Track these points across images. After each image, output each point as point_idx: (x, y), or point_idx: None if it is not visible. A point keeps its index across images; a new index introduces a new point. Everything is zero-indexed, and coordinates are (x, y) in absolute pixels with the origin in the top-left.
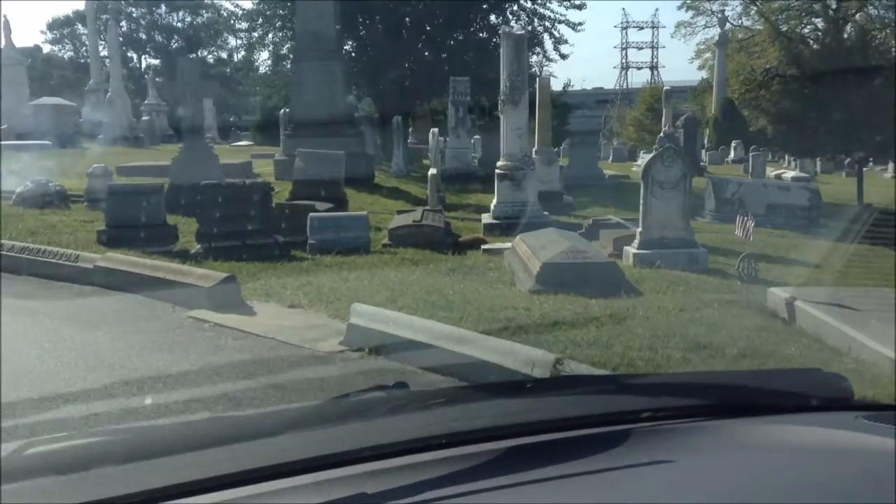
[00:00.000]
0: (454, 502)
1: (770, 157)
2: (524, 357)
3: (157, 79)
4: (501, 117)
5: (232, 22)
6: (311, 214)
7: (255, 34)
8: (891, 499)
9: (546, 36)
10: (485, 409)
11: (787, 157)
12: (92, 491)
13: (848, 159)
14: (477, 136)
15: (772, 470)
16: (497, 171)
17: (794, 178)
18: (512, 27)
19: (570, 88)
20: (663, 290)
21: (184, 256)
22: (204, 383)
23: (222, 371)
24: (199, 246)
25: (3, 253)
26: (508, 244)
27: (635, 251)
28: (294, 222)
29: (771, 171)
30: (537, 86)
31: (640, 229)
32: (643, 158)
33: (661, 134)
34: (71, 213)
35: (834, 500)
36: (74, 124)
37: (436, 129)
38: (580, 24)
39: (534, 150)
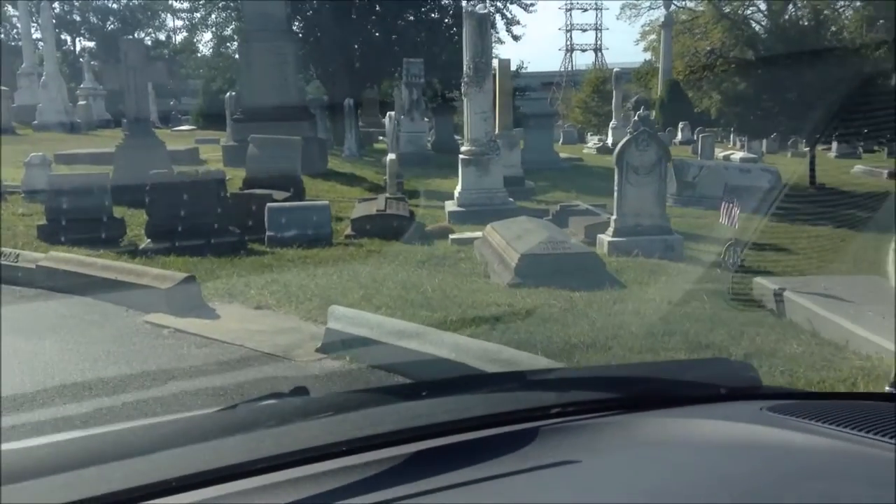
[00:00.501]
0: None
1: (717, 138)
2: (525, 365)
3: (92, 62)
4: (465, 100)
5: (171, 2)
6: (269, 205)
7: (198, 14)
8: (792, 497)
9: (498, 17)
10: (388, 413)
11: (732, 137)
12: None
13: (792, 139)
14: (427, 119)
15: (673, 468)
16: (461, 156)
17: (743, 159)
18: (474, 5)
19: (522, 70)
20: (645, 281)
21: (133, 252)
22: (169, 402)
23: (187, 387)
24: (148, 241)
25: None
26: (478, 233)
27: (610, 239)
28: (250, 213)
29: (719, 152)
30: (497, 68)
31: (614, 216)
32: (593, 141)
33: (635, 117)
34: (7, 205)
35: (735, 496)
36: (7, 109)
37: (392, 113)
38: (531, 4)
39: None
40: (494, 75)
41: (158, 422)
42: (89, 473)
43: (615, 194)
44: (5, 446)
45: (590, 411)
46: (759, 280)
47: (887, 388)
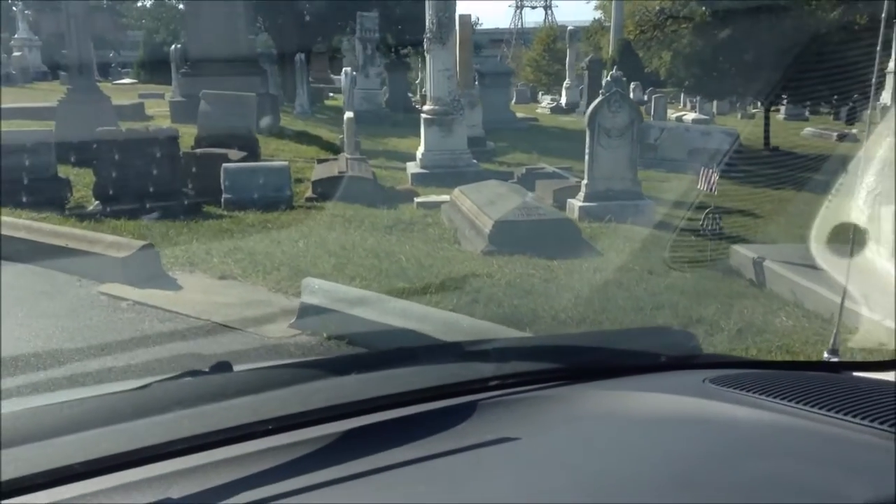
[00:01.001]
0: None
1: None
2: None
3: (26, 11)
4: (428, 57)
5: None
6: (225, 165)
7: None
8: (735, 475)
9: None
10: (318, 390)
11: (682, 98)
12: None
13: (739, 101)
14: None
15: (615, 445)
16: (424, 115)
17: (695, 120)
18: None
19: (478, 27)
20: (622, 249)
21: (80, 215)
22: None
23: (150, 365)
24: (97, 203)
25: None
26: (444, 197)
27: (581, 204)
28: (204, 174)
29: (671, 114)
30: (457, 23)
31: (585, 181)
32: (546, 100)
33: (608, 77)
34: None
35: (678, 475)
36: None
37: (348, 68)
38: None
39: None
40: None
41: (64, 402)
42: None
43: (586, 157)
44: None
45: (530, 382)
46: (736, 248)
47: (825, 356)
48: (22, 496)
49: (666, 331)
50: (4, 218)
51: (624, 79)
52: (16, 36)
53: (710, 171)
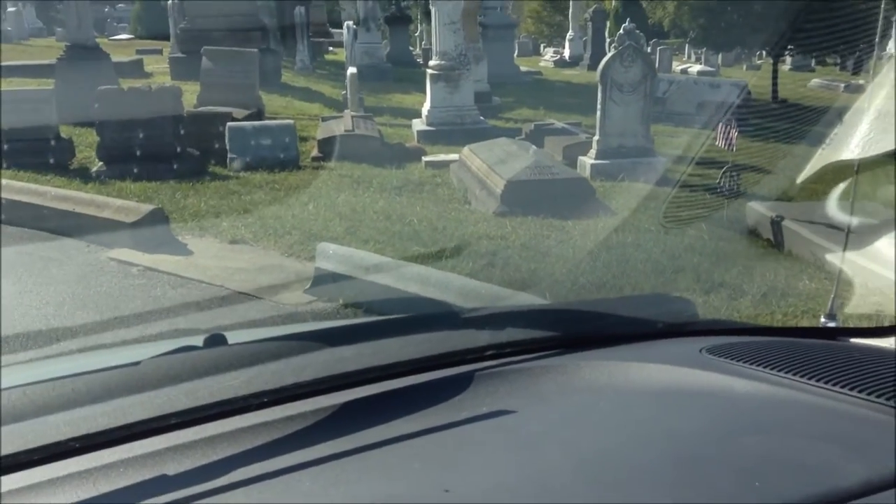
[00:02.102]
0: (268, 483)
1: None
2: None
3: None
4: (433, 9)
5: None
6: (230, 124)
7: None
8: (735, 450)
9: None
10: (312, 361)
11: (687, 49)
12: None
13: (745, 52)
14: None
15: (612, 419)
16: (430, 71)
17: (701, 72)
18: None
19: None
20: (636, 208)
21: (84, 176)
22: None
23: (165, 333)
24: (100, 164)
25: None
26: (453, 156)
27: (592, 161)
28: (208, 133)
29: (676, 66)
30: None
31: (597, 137)
32: (549, 53)
33: (621, 30)
34: None
35: (677, 451)
36: None
37: (350, 22)
38: None
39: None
40: None
41: (58, 379)
42: None
43: (598, 113)
44: None
45: (526, 352)
46: (753, 205)
47: (822, 321)
48: (17, 472)
49: (664, 297)
50: (8, 181)
51: (638, 31)
52: None
53: (729, 127)
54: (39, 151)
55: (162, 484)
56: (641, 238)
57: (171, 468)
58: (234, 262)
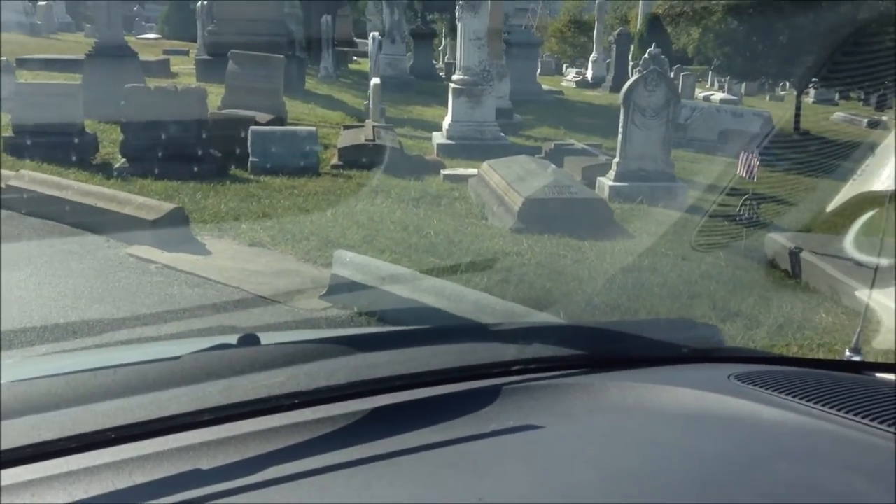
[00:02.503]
0: (301, 483)
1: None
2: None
3: None
4: (459, 25)
5: None
6: (253, 128)
7: None
8: (763, 478)
9: None
10: (344, 365)
11: (710, 77)
12: None
13: (768, 82)
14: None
15: (641, 440)
16: (452, 85)
17: (723, 100)
18: None
19: None
20: (654, 232)
21: (107, 171)
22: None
23: (181, 332)
24: (123, 160)
25: None
26: (472, 170)
27: (611, 183)
28: (231, 136)
29: (698, 92)
30: None
31: (617, 159)
32: (571, 73)
33: (646, 55)
34: None
35: (705, 475)
36: None
37: (376, 33)
38: None
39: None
40: None
41: (94, 370)
42: (21, 423)
43: (619, 136)
44: None
45: (552, 368)
46: (771, 236)
47: (847, 354)
48: (55, 459)
49: (690, 323)
50: (33, 173)
51: (663, 57)
52: None
53: (751, 156)
54: (64, 145)
55: (196, 478)
56: (658, 262)
57: (205, 463)
58: (252, 264)
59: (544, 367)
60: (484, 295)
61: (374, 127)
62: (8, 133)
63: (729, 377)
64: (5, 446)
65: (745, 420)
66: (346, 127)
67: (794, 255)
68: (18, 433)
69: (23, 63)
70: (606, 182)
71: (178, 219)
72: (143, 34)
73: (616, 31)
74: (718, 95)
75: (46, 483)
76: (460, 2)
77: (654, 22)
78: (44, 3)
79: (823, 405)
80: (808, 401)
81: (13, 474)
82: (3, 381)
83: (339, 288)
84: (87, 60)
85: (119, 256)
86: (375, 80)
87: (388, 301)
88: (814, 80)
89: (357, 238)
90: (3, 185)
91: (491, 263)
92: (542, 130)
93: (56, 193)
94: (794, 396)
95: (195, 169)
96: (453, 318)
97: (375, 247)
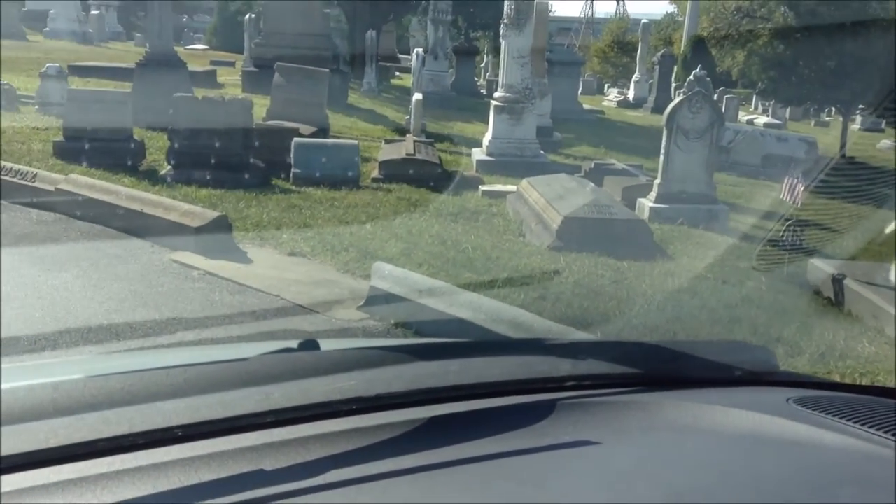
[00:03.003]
0: (362, 488)
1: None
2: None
3: None
4: (503, 43)
5: None
6: (297, 140)
7: None
8: (812, 495)
9: None
10: (401, 373)
11: (754, 100)
12: None
13: (814, 108)
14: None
15: (700, 459)
16: (494, 102)
17: (767, 124)
18: None
19: (552, 13)
20: (694, 255)
21: (153, 178)
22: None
23: (221, 337)
24: (169, 167)
25: None
26: (510, 187)
27: (652, 204)
28: (274, 147)
29: (742, 116)
30: (534, 9)
31: (658, 181)
32: (612, 93)
33: (691, 76)
34: (21, 116)
35: (766, 497)
36: (18, 13)
37: (419, 49)
38: None
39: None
40: None
41: (165, 369)
42: (92, 418)
43: (661, 157)
44: (5, 385)
45: (607, 386)
46: (815, 262)
47: None
48: (123, 454)
49: (745, 345)
50: (82, 177)
51: (708, 79)
52: None
53: (796, 181)
54: (113, 150)
55: (260, 478)
56: (698, 285)
57: (269, 464)
58: (291, 273)
59: (599, 384)
60: (520, 311)
61: (414, 142)
62: (58, 137)
63: (788, 401)
64: (78, 439)
65: (805, 444)
66: (388, 141)
67: (838, 282)
68: (91, 428)
69: (75, 70)
70: (647, 203)
71: (221, 226)
72: (191, 45)
73: (659, 53)
74: (762, 119)
75: (117, 477)
76: (505, 20)
77: (698, 44)
78: (96, 11)
79: (885, 431)
80: (868, 426)
81: (86, 467)
82: (78, 377)
83: (376, 299)
84: (138, 69)
85: (163, 262)
86: (418, 96)
87: (424, 314)
88: (861, 106)
89: (395, 251)
90: (52, 188)
91: (527, 280)
92: (583, 149)
93: (103, 198)
94: (854, 422)
95: (239, 178)
96: (490, 334)
97: (413, 260)
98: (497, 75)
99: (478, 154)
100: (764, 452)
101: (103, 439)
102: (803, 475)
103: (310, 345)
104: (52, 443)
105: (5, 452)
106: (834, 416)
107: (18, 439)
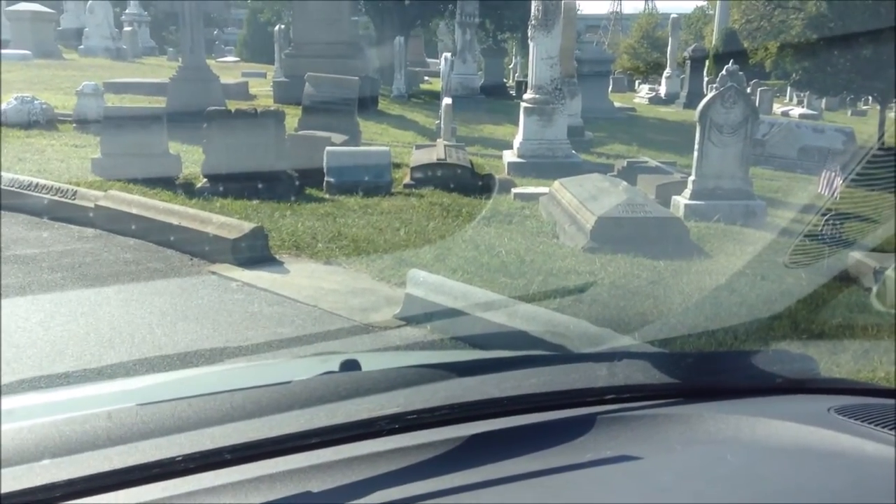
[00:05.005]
0: None
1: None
2: (617, 345)
3: None
4: (531, 44)
5: None
6: (329, 149)
7: None
8: None
9: None
10: (440, 390)
11: (789, 91)
12: None
13: (850, 97)
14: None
15: (743, 472)
16: (524, 104)
17: (802, 115)
18: None
19: (579, 13)
20: (732, 252)
21: (189, 191)
22: (242, 370)
23: (261, 349)
24: (205, 180)
25: None
26: (543, 189)
27: (687, 202)
28: (307, 156)
29: (777, 108)
30: (562, 9)
31: (692, 177)
32: (643, 90)
33: (723, 71)
34: (59, 135)
35: None
36: (54, 32)
37: (448, 54)
38: None
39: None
40: None
41: (212, 395)
42: (145, 445)
43: (695, 153)
44: (62, 416)
45: (646, 398)
46: (855, 255)
47: None
48: (175, 479)
49: (785, 354)
50: (121, 193)
51: (741, 73)
52: (126, 11)
53: (833, 174)
54: (150, 165)
55: (307, 500)
56: (736, 282)
57: (315, 485)
58: (327, 283)
59: (637, 396)
60: (556, 314)
61: (445, 146)
62: (96, 154)
63: (829, 410)
64: (130, 464)
65: (847, 455)
66: (418, 146)
67: (880, 274)
68: (144, 454)
69: (111, 87)
70: (682, 200)
71: (257, 238)
72: (222, 57)
73: (690, 47)
74: (797, 111)
75: (170, 501)
76: (532, 21)
77: (729, 37)
78: (129, 28)
79: None
80: None
81: (141, 492)
82: (130, 405)
83: (412, 307)
84: (171, 84)
85: (201, 274)
86: (447, 100)
87: (460, 321)
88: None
89: (429, 257)
90: (92, 205)
91: (562, 282)
92: (615, 148)
93: (142, 213)
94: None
95: (273, 188)
96: (526, 338)
97: (447, 265)
98: (526, 76)
99: (509, 156)
100: (805, 465)
101: (156, 463)
102: (845, 488)
103: (350, 365)
104: (108, 468)
105: (65, 478)
106: (876, 425)
107: (78, 467)
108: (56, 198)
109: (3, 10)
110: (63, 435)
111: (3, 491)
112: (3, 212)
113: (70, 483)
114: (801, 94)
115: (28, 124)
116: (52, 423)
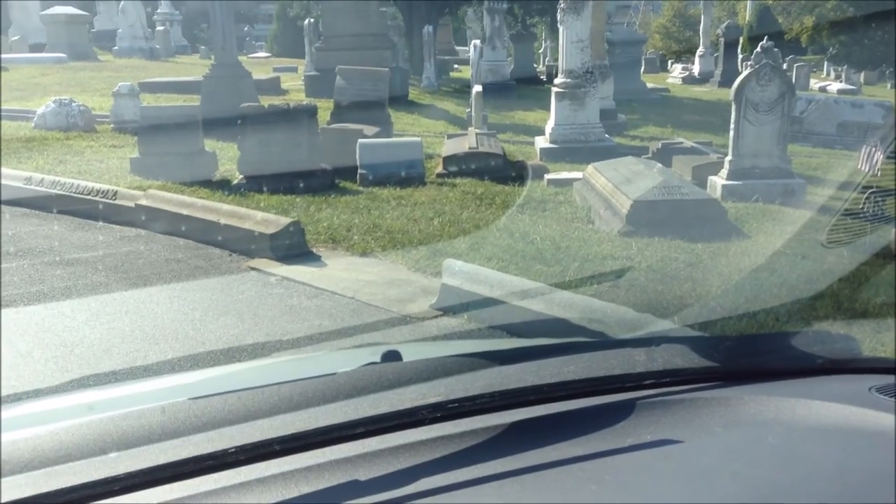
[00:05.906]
0: (454, 494)
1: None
2: (656, 329)
3: None
4: (561, 28)
5: None
6: (361, 141)
7: None
8: None
9: None
10: (480, 378)
11: (826, 66)
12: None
13: (889, 70)
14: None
15: (784, 454)
16: (555, 89)
17: (840, 91)
18: None
19: None
20: (771, 231)
21: (226, 188)
22: (284, 364)
23: (301, 342)
24: (241, 177)
25: (31, 187)
26: (576, 174)
27: (724, 182)
28: (340, 149)
29: (814, 83)
30: None
31: (729, 157)
32: (677, 69)
33: (758, 48)
34: (98, 136)
35: (855, 493)
36: (89, 34)
37: (477, 41)
38: None
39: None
40: None
41: (260, 388)
42: (197, 438)
43: (731, 133)
44: (117, 412)
45: (685, 382)
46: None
47: None
48: (227, 470)
49: (825, 334)
50: (160, 192)
51: (776, 49)
52: (158, 11)
53: (874, 149)
54: (187, 164)
55: (355, 488)
56: (777, 262)
57: (362, 474)
58: (364, 274)
59: (677, 381)
60: (593, 300)
61: (476, 134)
62: (134, 154)
63: (870, 389)
64: (185, 456)
65: (889, 434)
66: (450, 136)
67: None
68: (197, 447)
69: (146, 87)
70: (718, 181)
71: (294, 232)
72: (253, 53)
73: (724, 24)
74: (835, 86)
75: (224, 493)
76: (562, 5)
77: (764, 12)
78: (161, 27)
79: None
80: None
81: (195, 484)
82: (182, 399)
83: (449, 297)
84: (205, 81)
85: (241, 269)
86: (477, 88)
87: (497, 309)
88: None
89: (464, 246)
90: (132, 205)
91: (598, 268)
92: (648, 130)
93: (181, 211)
94: None
95: (308, 182)
96: (564, 325)
97: (482, 254)
98: (556, 60)
99: (541, 142)
100: (846, 444)
101: (209, 455)
102: (887, 467)
103: (392, 355)
104: (164, 461)
105: (123, 472)
106: None
107: (135, 460)
108: (97, 199)
109: (38, 14)
110: (121, 430)
111: (64, 486)
112: (46, 213)
113: (130, 476)
114: (839, 69)
115: (67, 127)
116: (111, 419)
